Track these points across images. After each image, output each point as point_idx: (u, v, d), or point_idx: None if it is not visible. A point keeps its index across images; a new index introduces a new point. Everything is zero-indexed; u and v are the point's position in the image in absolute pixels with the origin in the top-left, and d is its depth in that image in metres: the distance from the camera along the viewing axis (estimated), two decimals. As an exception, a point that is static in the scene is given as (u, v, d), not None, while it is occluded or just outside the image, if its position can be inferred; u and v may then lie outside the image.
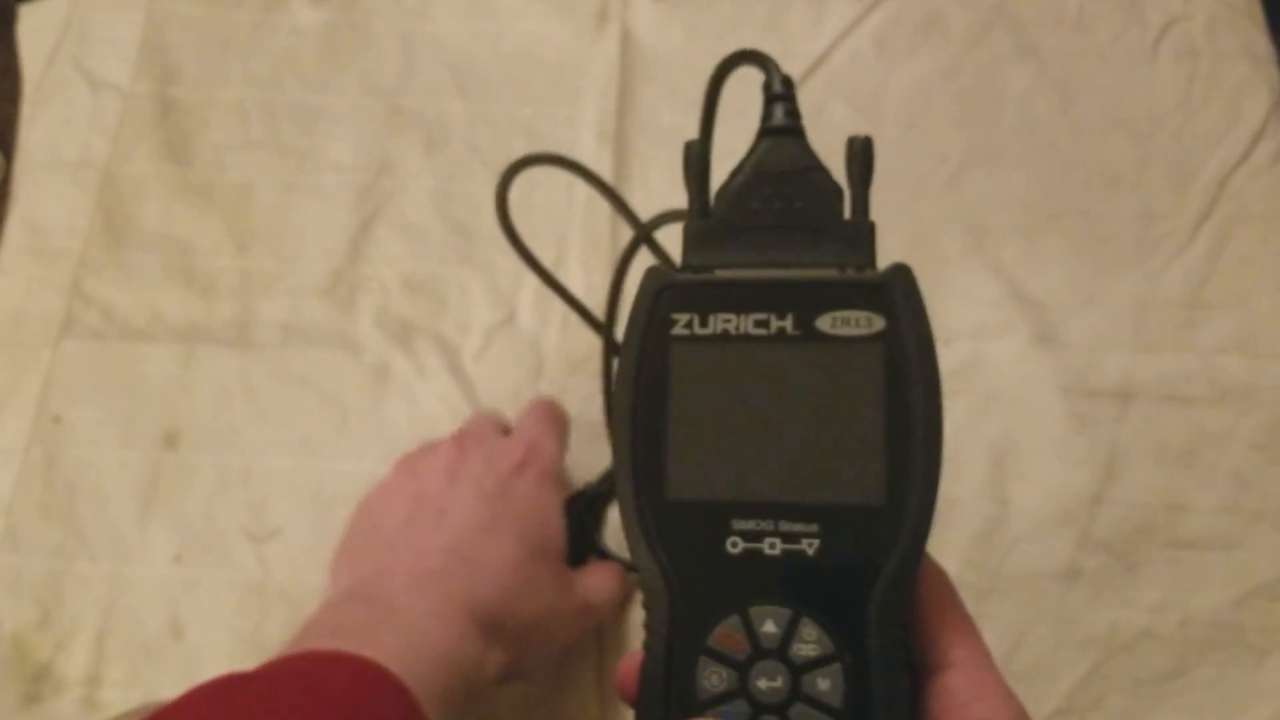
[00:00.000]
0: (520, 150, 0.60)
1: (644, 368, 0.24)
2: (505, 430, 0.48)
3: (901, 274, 0.24)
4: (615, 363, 0.46)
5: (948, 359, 0.54)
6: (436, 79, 0.63)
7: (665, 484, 0.24)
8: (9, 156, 0.61)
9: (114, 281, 0.57)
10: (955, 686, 0.24)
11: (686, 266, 0.25)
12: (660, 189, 0.57)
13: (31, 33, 0.64)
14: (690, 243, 0.26)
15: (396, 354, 0.55)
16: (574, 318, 0.56)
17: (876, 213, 0.62)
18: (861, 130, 0.59)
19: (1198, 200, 0.57)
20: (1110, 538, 0.50)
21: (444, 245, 0.58)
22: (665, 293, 0.25)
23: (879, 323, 0.24)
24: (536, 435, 0.46)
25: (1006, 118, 0.60)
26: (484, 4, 0.64)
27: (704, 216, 0.26)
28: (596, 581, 0.44)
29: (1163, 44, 0.62)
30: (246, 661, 0.48)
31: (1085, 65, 0.61)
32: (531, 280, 0.57)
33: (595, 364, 0.51)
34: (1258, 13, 0.62)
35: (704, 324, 0.24)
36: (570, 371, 0.55)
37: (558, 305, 0.56)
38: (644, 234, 0.44)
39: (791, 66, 0.61)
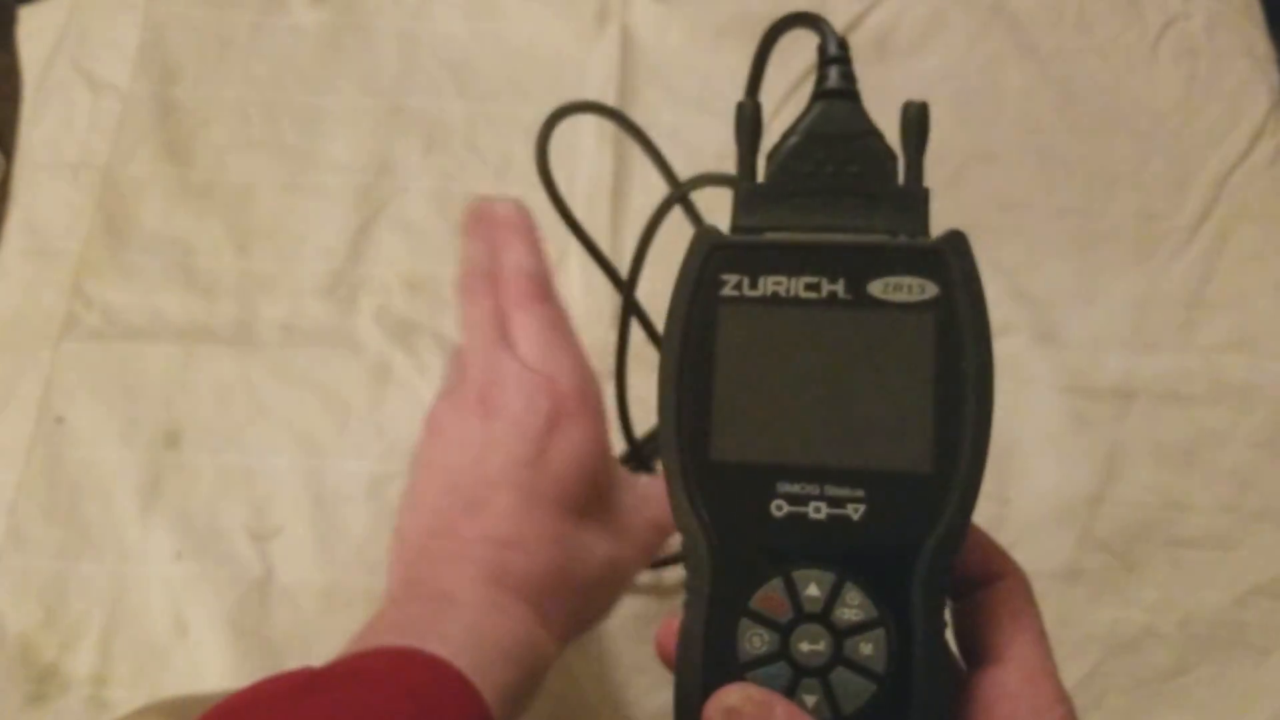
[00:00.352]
0: (521, 150, 0.60)
1: (691, 328, 0.24)
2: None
3: (956, 241, 0.24)
4: (652, 324, 0.45)
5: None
6: (436, 79, 0.63)
7: (710, 445, 0.24)
8: (9, 157, 0.61)
9: (114, 282, 0.57)
10: (1009, 679, 0.24)
11: (736, 228, 0.25)
12: (660, 189, 0.57)
13: (31, 34, 0.64)
14: (740, 204, 0.25)
15: (397, 353, 0.55)
16: (575, 317, 0.56)
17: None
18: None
19: (1197, 199, 0.58)
20: (1111, 537, 0.50)
21: (444, 245, 0.58)
22: (715, 253, 0.24)
23: (932, 289, 0.24)
24: (553, 367, 0.40)
25: (1006, 117, 0.60)
26: (484, 4, 0.64)
27: (753, 179, 0.26)
28: (656, 491, 0.41)
29: (1162, 43, 0.62)
30: (249, 659, 0.49)
31: (1085, 65, 0.61)
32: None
33: (594, 364, 0.51)
34: (1257, 12, 0.62)
35: (754, 285, 0.24)
36: (571, 371, 0.55)
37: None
38: (680, 194, 0.43)
39: (792, 66, 0.61)
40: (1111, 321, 0.55)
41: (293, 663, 0.49)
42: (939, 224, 0.63)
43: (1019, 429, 0.53)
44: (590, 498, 0.39)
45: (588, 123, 0.60)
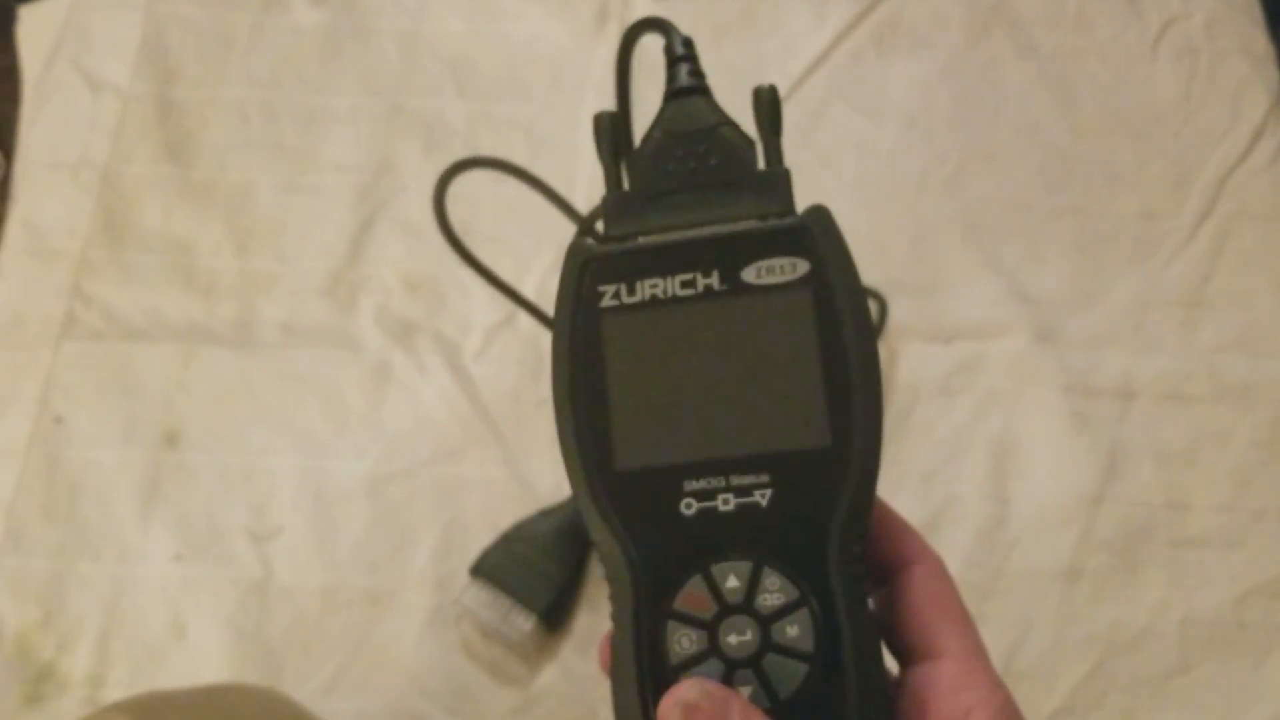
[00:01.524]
0: (521, 151, 0.60)
1: (577, 343, 0.24)
2: None
3: (819, 215, 0.24)
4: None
5: (949, 358, 0.55)
6: (436, 79, 0.63)
7: (613, 456, 0.24)
8: (9, 157, 0.61)
9: (114, 282, 0.57)
10: (944, 674, 0.24)
11: (608, 238, 0.25)
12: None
13: (31, 33, 0.64)
14: (609, 214, 0.26)
15: (397, 353, 0.55)
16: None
17: (876, 209, 0.62)
18: (863, 131, 0.60)
19: (1198, 199, 0.58)
20: (1111, 536, 0.50)
21: (444, 245, 0.58)
22: (589, 265, 0.25)
23: (803, 267, 0.24)
24: None
25: (1006, 117, 0.60)
26: (484, 4, 0.64)
27: (619, 188, 0.26)
28: None
29: (1162, 43, 0.62)
30: (248, 661, 0.49)
31: (1085, 64, 0.61)
32: (532, 280, 0.57)
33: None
34: (1256, 12, 0.62)
35: (631, 292, 0.24)
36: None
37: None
38: (586, 226, 0.43)
39: (792, 66, 0.61)
40: (1112, 321, 0.55)
41: (292, 664, 0.49)
42: (941, 224, 0.63)
43: (1019, 429, 0.52)
44: None
45: (588, 123, 0.60)
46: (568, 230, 0.57)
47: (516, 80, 0.63)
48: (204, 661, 0.49)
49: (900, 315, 0.55)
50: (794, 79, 0.61)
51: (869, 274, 0.60)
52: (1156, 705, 0.48)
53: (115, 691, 0.48)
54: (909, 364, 0.54)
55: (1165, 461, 0.52)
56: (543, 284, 0.57)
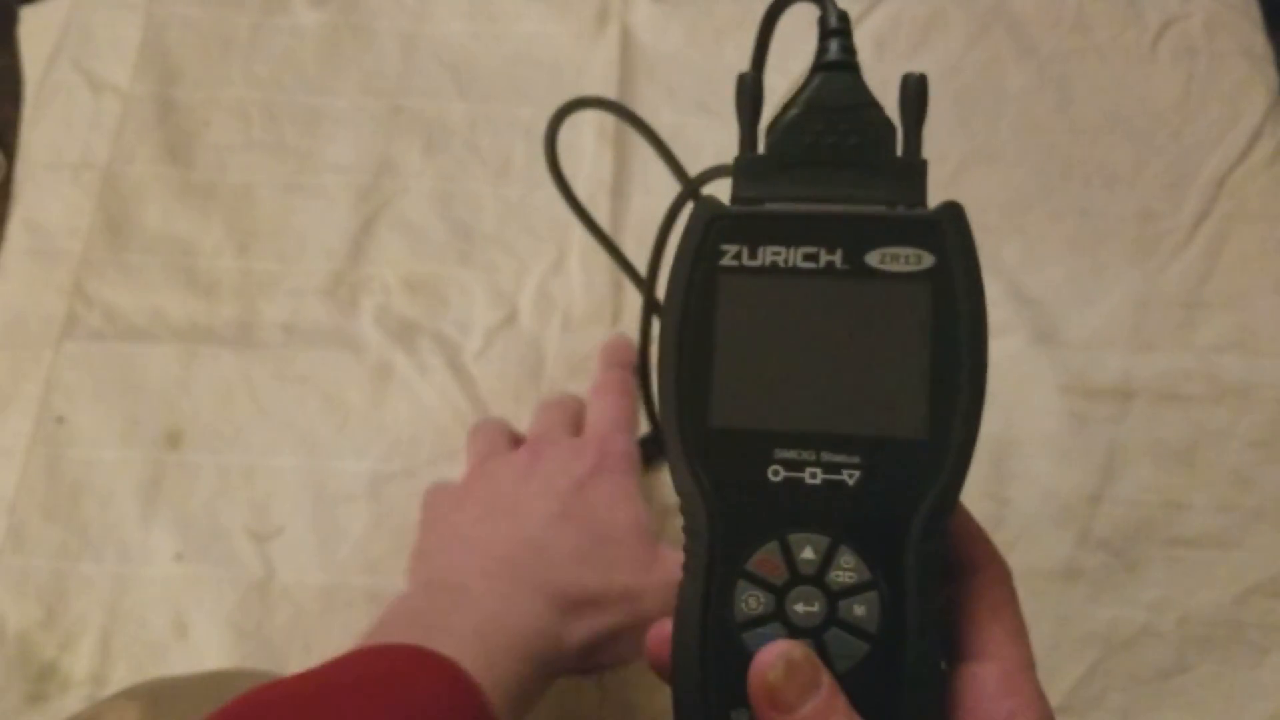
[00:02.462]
0: (521, 151, 0.60)
1: (691, 297, 0.24)
2: (579, 426, 0.48)
3: (953, 212, 0.24)
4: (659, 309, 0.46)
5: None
6: (437, 79, 0.63)
7: (709, 411, 0.24)
8: (10, 157, 0.61)
9: (115, 282, 0.57)
10: (987, 678, 0.24)
11: (736, 199, 0.25)
12: (660, 188, 0.58)
13: (32, 34, 0.64)
14: (740, 176, 0.26)
15: (398, 353, 0.55)
16: (575, 317, 0.56)
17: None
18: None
19: (1196, 199, 0.58)
20: (1110, 536, 0.50)
21: (445, 245, 0.58)
22: (715, 223, 0.25)
23: (928, 260, 0.24)
24: (608, 433, 0.46)
25: (1006, 117, 0.60)
26: (484, 5, 0.65)
27: (754, 150, 0.26)
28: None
29: (1161, 43, 0.62)
30: (250, 660, 0.49)
31: (1084, 65, 0.62)
32: (532, 280, 0.57)
33: (594, 365, 0.51)
34: (1255, 12, 0.62)
35: (753, 256, 0.24)
36: (570, 372, 0.55)
37: (559, 305, 0.56)
38: (693, 187, 0.43)
39: (790, 67, 0.61)
40: (1110, 321, 0.55)
41: (293, 664, 0.49)
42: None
43: (1018, 428, 0.53)
44: (621, 528, 0.42)
45: (588, 122, 0.60)
46: (569, 230, 0.58)
47: (517, 81, 0.63)
48: (205, 661, 0.49)
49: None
50: (793, 80, 0.61)
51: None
52: (1155, 704, 0.48)
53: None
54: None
55: (1163, 461, 0.52)
56: (542, 284, 0.57)
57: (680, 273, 0.25)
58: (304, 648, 0.50)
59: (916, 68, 0.61)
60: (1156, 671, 0.48)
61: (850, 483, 0.24)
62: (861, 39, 0.64)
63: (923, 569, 0.23)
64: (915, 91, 0.26)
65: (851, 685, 0.23)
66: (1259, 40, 0.62)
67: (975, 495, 0.51)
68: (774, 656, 0.23)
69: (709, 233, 0.25)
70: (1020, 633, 0.26)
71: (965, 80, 0.61)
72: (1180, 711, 0.48)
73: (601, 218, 0.58)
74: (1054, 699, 0.47)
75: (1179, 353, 0.54)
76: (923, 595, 0.23)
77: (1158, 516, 0.51)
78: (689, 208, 0.27)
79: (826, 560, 0.24)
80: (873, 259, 0.24)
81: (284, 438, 0.54)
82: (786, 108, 0.26)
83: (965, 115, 0.60)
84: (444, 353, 0.56)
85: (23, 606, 0.50)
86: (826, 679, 0.23)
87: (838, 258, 0.24)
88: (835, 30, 0.27)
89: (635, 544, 0.42)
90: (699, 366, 0.24)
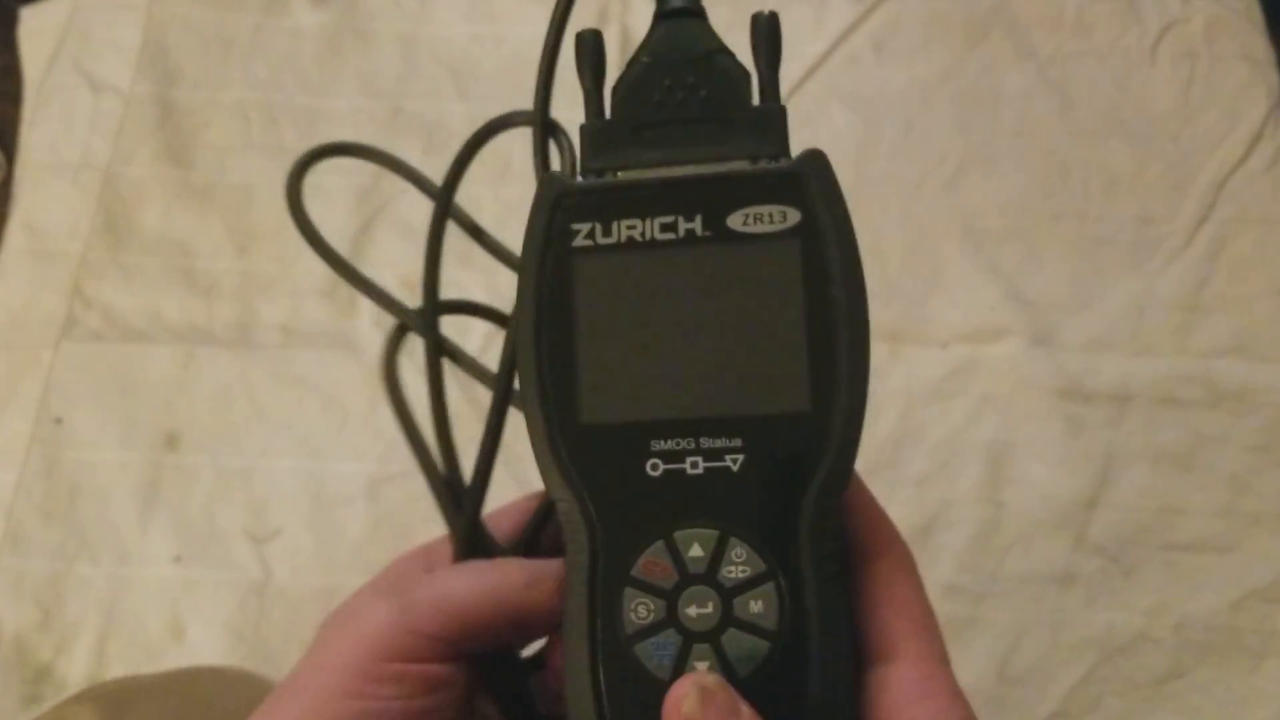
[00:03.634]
0: (520, 152, 0.60)
1: (545, 285, 0.22)
2: None
3: (815, 161, 0.22)
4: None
5: (945, 362, 0.55)
6: (436, 81, 0.63)
7: (577, 408, 0.22)
8: (10, 158, 0.61)
9: (115, 283, 0.57)
10: (902, 680, 0.22)
11: (585, 171, 0.23)
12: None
13: (32, 35, 0.64)
14: (587, 145, 0.23)
15: (397, 355, 0.55)
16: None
17: (875, 211, 0.62)
18: (861, 133, 0.60)
19: (1195, 203, 0.58)
20: (1106, 541, 0.50)
21: (444, 246, 0.58)
22: (563, 201, 0.22)
23: (794, 216, 0.22)
24: None
25: (1005, 120, 0.60)
26: (483, 6, 0.65)
27: (600, 115, 0.24)
28: None
29: (1161, 47, 0.62)
30: (247, 663, 0.49)
31: (1084, 68, 0.61)
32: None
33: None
34: (1257, 15, 0.62)
35: (607, 232, 0.22)
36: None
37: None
38: (444, 199, 0.35)
39: (791, 68, 0.61)
40: (1108, 325, 0.55)
41: (290, 665, 0.49)
42: (939, 226, 0.63)
43: (1014, 432, 0.53)
44: None
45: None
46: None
47: (516, 82, 0.63)
48: (202, 663, 0.49)
49: (897, 318, 0.55)
50: (793, 81, 0.61)
51: (868, 275, 0.60)
52: (1151, 710, 0.48)
53: (114, 692, 0.49)
54: (905, 367, 0.54)
55: (1160, 466, 0.52)
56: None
57: (530, 260, 0.22)
58: (301, 649, 0.49)
59: (916, 70, 0.62)
60: (1153, 677, 0.48)
61: (734, 468, 0.22)
62: (861, 41, 0.64)
63: (820, 553, 0.22)
64: (767, 30, 0.23)
65: (756, 690, 0.21)
66: (1260, 44, 0.62)
67: (971, 499, 0.51)
68: (687, 687, 0.21)
69: (556, 212, 0.22)
70: (929, 624, 0.23)
71: (964, 83, 0.61)
72: (1176, 716, 0.48)
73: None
74: (1050, 704, 0.48)
75: (1177, 357, 0.54)
76: (823, 582, 0.22)
77: (1154, 521, 0.51)
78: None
79: (716, 555, 0.22)
80: (735, 221, 0.22)
81: (282, 439, 0.54)
82: (630, 65, 0.24)
83: (964, 118, 0.60)
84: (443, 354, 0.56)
85: (19, 608, 0.50)
86: (745, 708, 0.21)
87: (697, 224, 0.22)
88: None
89: None
90: (561, 361, 0.22)
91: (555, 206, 0.23)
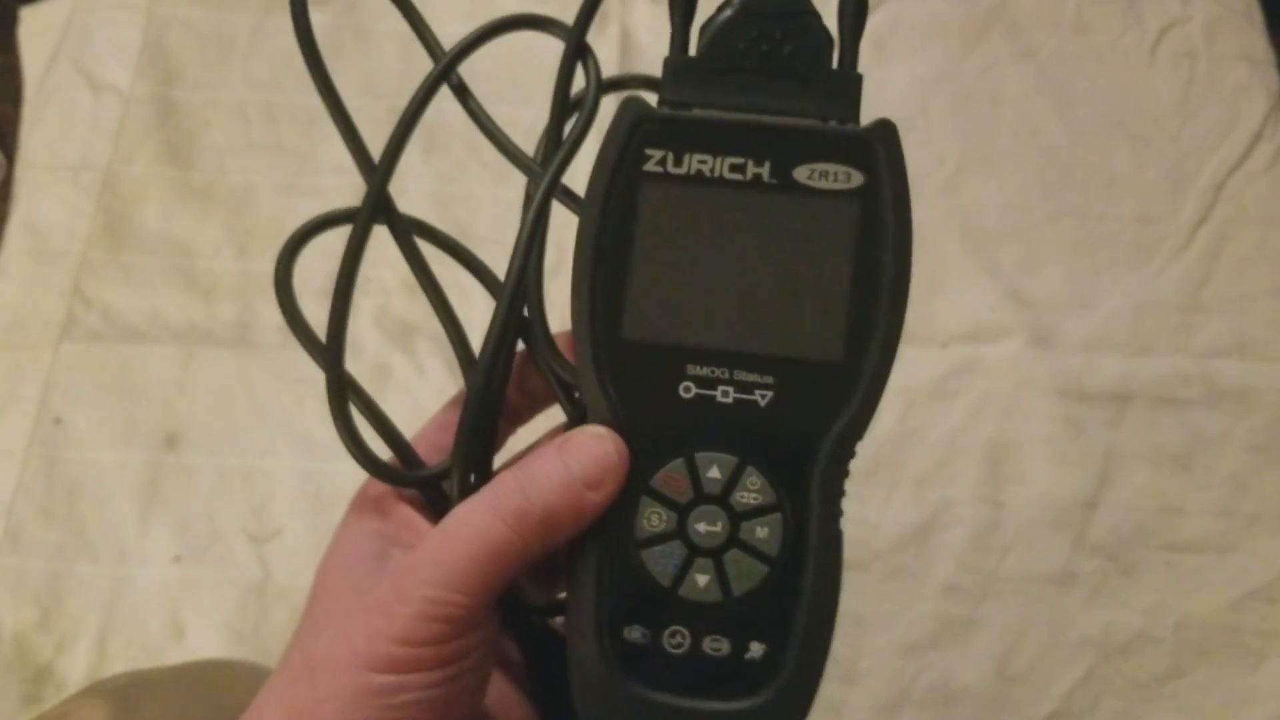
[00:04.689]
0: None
1: (611, 202, 0.23)
2: None
3: (886, 131, 0.23)
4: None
5: (945, 361, 0.55)
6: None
7: (622, 323, 0.23)
8: (10, 158, 0.61)
9: (114, 283, 0.57)
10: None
11: (664, 102, 0.24)
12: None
13: (32, 35, 0.64)
14: (670, 78, 0.24)
15: (396, 354, 0.55)
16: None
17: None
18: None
19: (1195, 203, 0.58)
20: (1106, 540, 0.50)
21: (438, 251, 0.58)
22: (641, 125, 0.23)
23: (858, 179, 0.23)
24: None
25: (1004, 120, 0.60)
26: (483, 6, 0.65)
27: (685, 52, 0.25)
28: None
29: (1161, 47, 0.62)
30: (239, 658, 0.49)
31: (1083, 68, 0.61)
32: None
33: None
34: (1256, 15, 0.62)
35: (679, 163, 0.23)
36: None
37: (557, 307, 0.56)
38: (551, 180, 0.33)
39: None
40: (1108, 325, 0.55)
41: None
42: (939, 226, 0.63)
43: (1014, 432, 0.53)
44: None
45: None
46: (567, 232, 0.57)
47: (516, 82, 0.63)
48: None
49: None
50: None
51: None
52: (1151, 709, 0.48)
53: (114, 692, 0.49)
54: (904, 367, 0.54)
55: (1160, 466, 0.52)
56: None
57: (601, 175, 0.23)
58: (301, 649, 0.50)
59: (916, 70, 0.62)
60: (1152, 676, 0.48)
61: (762, 403, 0.23)
62: (861, 41, 0.64)
63: (828, 494, 0.23)
64: (854, 3, 0.25)
65: (748, 608, 0.23)
66: (1260, 43, 0.62)
67: (971, 499, 0.51)
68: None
69: (634, 135, 0.23)
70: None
71: (964, 83, 0.61)
72: (1176, 716, 0.48)
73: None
74: (1050, 704, 0.48)
75: (1176, 357, 0.54)
76: (826, 522, 0.23)
77: (1154, 521, 0.51)
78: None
79: (732, 480, 0.23)
80: (801, 174, 0.23)
81: (282, 439, 0.54)
82: (721, 9, 0.24)
83: (964, 118, 0.60)
84: (442, 354, 0.56)
85: (19, 608, 0.50)
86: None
87: (765, 170, 0.23)
88: None
89: None
90: (615, 275, 0.23)
91: (633, 128, 0.23)
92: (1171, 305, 0.55)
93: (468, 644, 0.24)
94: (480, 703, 0.26)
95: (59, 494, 0.52)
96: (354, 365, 0.59)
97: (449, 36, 0.69)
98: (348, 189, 0.60)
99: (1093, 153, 0.59)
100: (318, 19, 0.72)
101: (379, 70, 0.63)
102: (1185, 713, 0.48)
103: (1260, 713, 0.47)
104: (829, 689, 0.50)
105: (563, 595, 0.28)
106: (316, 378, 0.61)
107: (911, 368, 0.54)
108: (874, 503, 0.50)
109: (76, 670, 0.49)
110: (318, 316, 0.60)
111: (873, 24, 0.63)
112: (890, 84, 0.61)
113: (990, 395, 0.53)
